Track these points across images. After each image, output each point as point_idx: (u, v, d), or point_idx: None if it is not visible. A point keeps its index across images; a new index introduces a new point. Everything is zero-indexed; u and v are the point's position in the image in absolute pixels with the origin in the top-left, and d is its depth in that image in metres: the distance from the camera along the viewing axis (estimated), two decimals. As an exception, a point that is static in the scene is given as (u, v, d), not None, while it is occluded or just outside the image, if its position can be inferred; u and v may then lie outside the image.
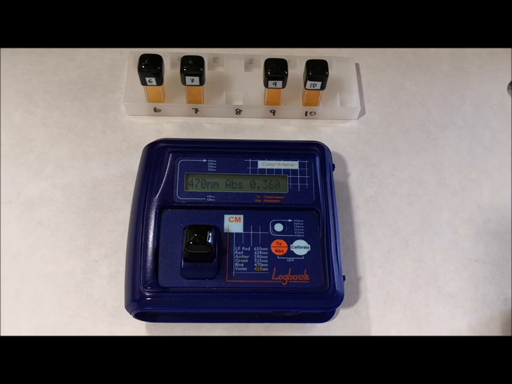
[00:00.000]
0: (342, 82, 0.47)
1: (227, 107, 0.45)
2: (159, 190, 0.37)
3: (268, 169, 0.38)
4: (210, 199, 0.37)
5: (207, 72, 0.44)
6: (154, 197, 0.36)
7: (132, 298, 0.34)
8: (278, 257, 0.35)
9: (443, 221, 0.42)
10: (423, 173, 0.44)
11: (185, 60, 0.41)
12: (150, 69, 0.41)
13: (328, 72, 0.42)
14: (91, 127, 0.45)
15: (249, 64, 0.48)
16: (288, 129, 0.46)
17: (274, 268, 0.35)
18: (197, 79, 0.42)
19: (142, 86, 0.43)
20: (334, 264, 0.35)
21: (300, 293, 0.34)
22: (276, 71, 0.42)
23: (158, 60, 0.41)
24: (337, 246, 0.36)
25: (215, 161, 0.38)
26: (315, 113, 0.46)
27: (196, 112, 0.46)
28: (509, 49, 0.51)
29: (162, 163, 0.38)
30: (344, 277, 0.36)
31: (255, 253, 0.35)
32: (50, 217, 0.40)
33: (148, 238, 0.35)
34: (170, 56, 0.47)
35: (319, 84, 0.43)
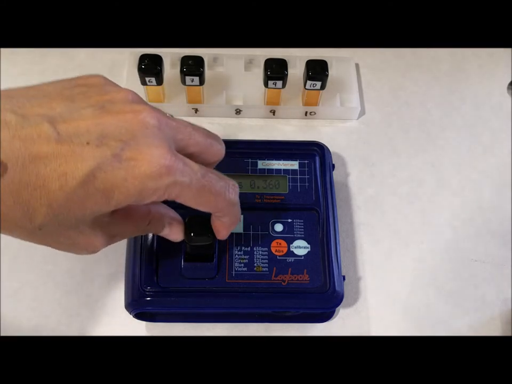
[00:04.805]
0: (342, 82, 0.47)
1: (227, 107, 0.45)
2: (159, 190, 0.36)
3: (268, 169, 0.38)
4: (210, 199, 0.37)
5: (207, 72, 0.44)
6: (154, 197, 0.36)
7: (132, 298, 0.34)
8: (278, 257, 0.35)
9: (443, 221, 0.42)
10: (423, 173, 0.44)
11: (185, 60, 0.41)
12: (150, 69, 0.41)
13: (328, 72, 0.42)
14: (91, 127, 0.45)
15: (249, 64, 0.48)
16: (288, 129, 0.46)
17: (274, 268, 0.35)
18: (197, 79, 0.42)
19: (142, 86, 0.43)
20: (334, 264, 0.35)
21: (300, 293, 0.34)
22: (275, 71, 0.42)
23: (158, 60, 0.41)
24: (337, 246, 0.36)
25: (215, 161, 0.38)
26: (315, 113, 0.46)
27: (195, 112, 0.46)
28: (509, 49, 0.51)
29: (162, 163, 0.37)
30: (344, 277, 0.36)
31: (255, 253, 0.35)
32: (50, 217, 0.40)
33: (148, 238, 0.35)
34: (170, 56, 0.47)
35: (319, 84, 0.43)
